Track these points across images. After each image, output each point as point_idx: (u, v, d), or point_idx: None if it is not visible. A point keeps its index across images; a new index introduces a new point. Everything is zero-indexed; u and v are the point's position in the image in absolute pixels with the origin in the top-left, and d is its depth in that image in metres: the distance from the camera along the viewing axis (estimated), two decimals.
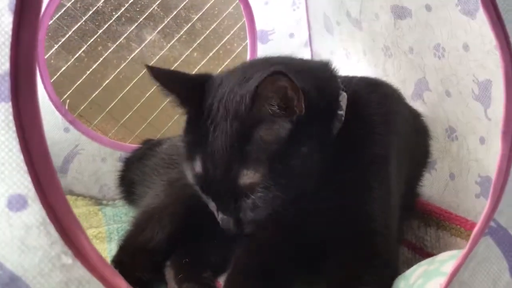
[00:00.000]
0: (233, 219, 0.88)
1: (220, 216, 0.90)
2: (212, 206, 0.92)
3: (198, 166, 0.87)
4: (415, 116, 1.15)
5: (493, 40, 0.67)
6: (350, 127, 0.92)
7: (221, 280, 1.07)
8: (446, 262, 0.79)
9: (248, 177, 0.82)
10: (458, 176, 1.18)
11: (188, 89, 0.92)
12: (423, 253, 1.17)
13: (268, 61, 0.98)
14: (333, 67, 1.00)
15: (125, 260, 1.06)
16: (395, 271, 0.90)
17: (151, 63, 1.81)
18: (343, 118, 0.91)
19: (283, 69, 0.79)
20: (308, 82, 0.87)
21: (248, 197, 0.84)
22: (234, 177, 0.83)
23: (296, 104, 0.82)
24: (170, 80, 0.91)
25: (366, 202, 0.91)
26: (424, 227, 1.20)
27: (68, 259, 0.50)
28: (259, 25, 1.75)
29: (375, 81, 1.07)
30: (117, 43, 1.84)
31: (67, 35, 1.80)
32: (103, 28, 1.83)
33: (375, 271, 0.86)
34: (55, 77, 1.72)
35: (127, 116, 1.86)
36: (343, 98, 0.94)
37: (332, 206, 0.92)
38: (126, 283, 0.50)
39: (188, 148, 0.92)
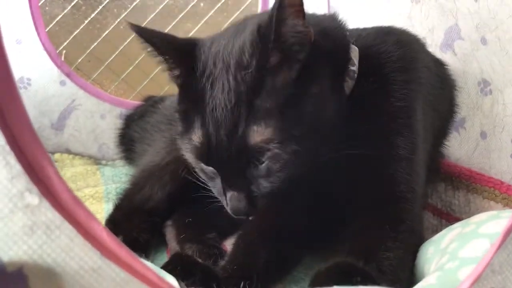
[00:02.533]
0: (244, 195, 0.77)
1: (228, 196, 0.79)
2: (218, 188, 0.81)
3: (197, 134, 0.77)
4: (438, 64, 1.04)
5: None
6: (365, 83, 0.83)
7: (228, 244, 0.99)
8: (484, 223, 0.70)
9: (258, 133, 0.72)
10: (491, 134, 1.08)
11: (178, 50, 0.82)
12: (450, 218, 1.08)
13: (263, 14, 0.90)
14: (339, 18, 0.90)
15: (120, 219, 1.00)
16: (420, 238, 0.83)
17: (154, 14, 1.70)
18: (355, 74, 0.83)
19: None
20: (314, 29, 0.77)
21: (260, 162, 0.74)
22: (242, 136, 0.73)
23: (307, 32, 0.73)
24: (159, 40, 0.80)
25: (390, 164, 0.82)
26: (452, 191, 1.10)
27: (34, 198, 0.39)
28: None
29: (388, 29, 0.96)
30: None
31: None
32: None
33: (399, 238, 0.78)
34: (50, 25, 1.61)
35: (128, 70, 1.75)
36: (354, 51, 0.84)
37: (352, 169, 0.83)
38: (104, 228, 0.40)
39: (183, 118, 0.82)
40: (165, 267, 0.66)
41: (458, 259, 0.63)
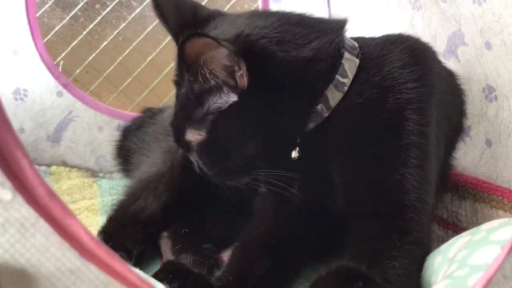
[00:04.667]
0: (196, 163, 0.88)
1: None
2: None
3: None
4: (450, 74, 1.01)
5: None
6: (364, 93, 0.80)
7: (225, 255, 0.96)
8: (495, 230, 0.67)
9: (188, 136, 0.82)
10: (497, 142, 1.05)
11: (182, 21, 0.85)
12: (457, 229, 1.04)
13: (245, 15, 0.87)
14: (337, 26, 0.85)
15: (114, 230, 0.98)
16: (428, 250, 0.79)
17: (153, 25, 1.69)
18: (345, 87, 0.79)
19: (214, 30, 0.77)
20: (280, 43, 0.77)
21: (191, 152, 0.85)
22: (182, 130, 0.83)
23: (239, 75, 0.74)
24: (170, 8, 0.86)
25: (398, 169, 0.78)
26: (458, 201, 1.07)
27: (6, 193, 0.36)
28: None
29: (396, 37, 0.91)
30: (116, 0, 1.70)
31: None
32: None
33: (405, 248, 0.75)
34: (48, 36, 1.61)
35: (127, 82, 1.74)
36: (351, 64, 0.80)
37: (359, 179, 0.81)
38: (82, 226, 0.37)
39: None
40: (156, 275, 0.63)
41: (467, 267, 0.59)
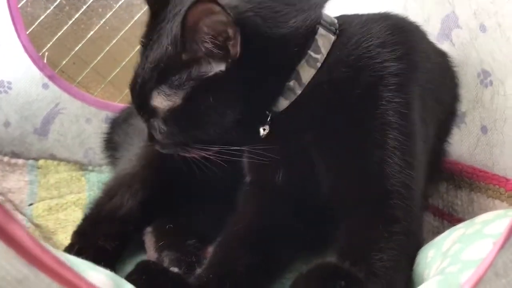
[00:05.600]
0: (147, 130, 0.85)
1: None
2: None
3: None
4: (441, 55, 0.97)
5: None
6: (339, 71, 0.78)
7: (210, 250, 0.92)
8: (490, 222, 0.64)
9: (156, 101, 0.78)
10: (492, 128, 1.01)
11: None
12: (452, 219, 1.01)
13: None
14: (317, 4, 0.83)
15: (87, 230, 0.95)
16: (418, 240, 0.76)
17: (140, 13, 1.64)
18: (318, 63, 0.77)
19: None
20: (264, 19, 0.76)
21: (154, 118, 0.81)
22: (147, 93, 0.79)
23: (232, 44, 0.72)
24: None
25: (377, 154, 0.76)
26: (454, 190, 1.03)
27: None
28: None
29: (382, 14, 0.89)
30: None
31: None
32: None
33: (393, 238, 0.72)
34: (32, 27, 1.57)
35: (115, 72, 1.69)
36: (325, 40, 0.78)
37: (338, 164, 0.79)
38: (26, 231, 0.33)
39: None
40: (129, 277, 0.60)
41: (460, 262, 0.56)
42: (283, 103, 0.79)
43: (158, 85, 0.77)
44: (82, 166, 1.52)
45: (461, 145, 1.09)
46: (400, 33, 0.81)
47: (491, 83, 1.00)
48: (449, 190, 1.05)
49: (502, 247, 0.42)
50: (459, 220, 0.98)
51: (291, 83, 0.77)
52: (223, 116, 0.76)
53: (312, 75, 0.77)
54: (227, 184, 0.96)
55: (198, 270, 0.75)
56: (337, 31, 0.80)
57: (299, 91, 0.77)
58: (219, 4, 0.68)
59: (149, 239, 0.93)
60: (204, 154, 0.82)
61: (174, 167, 0.89)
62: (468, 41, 1.04)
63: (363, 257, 0.65)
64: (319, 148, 0.79)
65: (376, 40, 0.78)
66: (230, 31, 0.71)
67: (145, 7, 1.66)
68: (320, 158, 0.79)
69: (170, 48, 0.75)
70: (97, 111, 1.52)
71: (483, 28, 0.99)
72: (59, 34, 1.59)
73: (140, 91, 0.81)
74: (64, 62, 1.60)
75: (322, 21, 0.80)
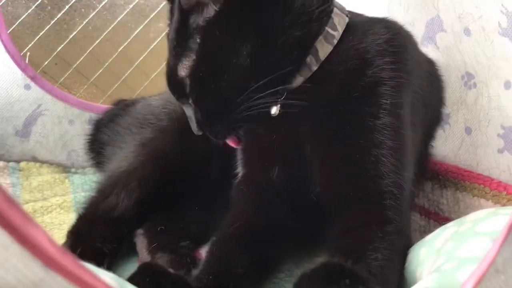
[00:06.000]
0: (193, 116, 0.83)
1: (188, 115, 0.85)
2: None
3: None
4: (429, 63, 0.99)
5: None
6: (347, 59, 0.78)
7: (203, 251, 0.93)
8: (482, 220, 0.65)
9: (181, 71, 0.79)
10: (476, 129, 1.04)
11: None
12: (439, 218, 1.03)
13: None
14: None
15: (83, 229, 0.93)
16: (409, 240, 0.77)
17: (124, 14, 1.63)
18: (334, 40, 0.78)
19: None
20: None
21: (187, 91, 0.81)
22: (176, 68, 0.80)
23: None
24: None
25: (374, 155, 0.76)
26: (439, 189, 1.05)
27: None
28: None
29: (382, 18, 0.90)
30: None
31: None
32: None
33: (387, 238, 0.72)
34: (13, 26, 1.53)
35: (98, 73, 1.67)
36: (341, 19, 0.80)
37: (334, 162, 0.79)
38: (45, 233, 0.33)
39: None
40: (132, 279, 0.59)
41: (456, 259, 0.57)
42: (298, 80, 0.78)
43: (179, 57, 0.79)
44: (65, 168, 1.50)
45: (446, 145, 1.11)
46: (399, 38, 0.83)
47: (475, 85, 1.03)
48: (435, 190, 1.07)
49: (503, 244, 0.44)
50: (446, 219, 1.00)
51: (308, 58, 0.77)
52: (237, 53, 0.75)
53: (329, 52, 0.78)
54: (218, 183, 0.96)
55: (194, 272, 0.75)
56: (347, 15, 0.82)
57: (314, 68, 0.78)
58: None
59: (140, 241, 0.92)
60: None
61: (172, 167, 0.88)
62: (452, 44, 1.07)
63: (360, 256, 0.66)
64: (315, 141, 0.80)
65: (382, 36, 0.80)
66: None
67: (129, 7, 1.66)
68: (315, 153, 0.80)
69: (176, 13, 0.78)
70: (80, 113, 1.50)
71: (467, 31, 1.01)
72: (40, 34, 1.57)
73: (172, 73, 0.82)
74: (46, 62, 1.57)
75: (335, 2, 0.81)
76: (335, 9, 0.80)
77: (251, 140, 0.87)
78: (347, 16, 0.82)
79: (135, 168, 1.00)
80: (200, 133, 0.83)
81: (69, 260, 0.33)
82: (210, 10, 0.76)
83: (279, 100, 0.78)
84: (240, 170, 0.89)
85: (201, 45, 0.77)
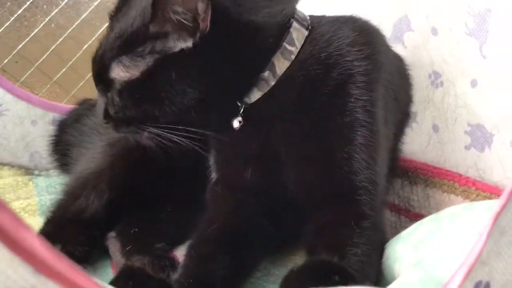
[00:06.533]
0: (103, 105, 0.82)
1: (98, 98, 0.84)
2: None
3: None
4: (397, 58, 1.01)
5: None
6: (310, 66, 0.79)
7: (178, 253, 0.92)
8: (457, 215, 0.67)
9: (114, 72, 0.77)
10: (443, 127, 1.06)
11: None
12: (409, 214, 1.05)
13: None
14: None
15: (52, 233, 0.90)
16: (384, 235, 0.79)
17: (88, 11, 1.59)
18: (292, 55, 0.78)
19: None
20: (235, 4, 0.76)
21: (111, 90, 0.79)
22: (107, 63, 0.78)
23: (202, 18, 0.72)
24: None
25: (346, 152, 0.77)
26: (409, 186, 1.07)
27: None
28: None
29: (349, 17, 0.91)
30: None
31: None
32: None
33: (364, 234, 0.73)
34: None
35: (61, 72, 1.62)
36: (299, 34, 0.80)
37: (307, 160, 0.79)
38: (37, 236, 0.31)
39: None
40: (114, 283, 0.58)
41: (435, 253, 0.59)
42: (256, 94, 0.79)
43: (118, 55, 0.76)
44: (28, 171, 1.44)
45: (413, 143, 1.13)
46: (367, 34, 0.84)
47: (441, 84, 1.05)
48: (404, 187, 1.09)
49: (489, 236, 0.45)
50: (416, 215, 1.02)
51: (266, 73, 0.77)
52: (182, 94, 0.74)
53: (286, 67, 0.78)
54: (191, 183, 0.95)
55: (174, 275, 0.74)
56: (309, 27, 0.82)
57: (272, 83, 0.78)
58: None
59: (113, 244, 0.90)
60: (154, 136, 0.80)
61: (142, 166, 0.86)
62: (420, 44, 1.09)
63: (341, 253, 0.66)
64: (287, 143, 0.80)
65: (346, 40, 0.80)
66: (202, 5, 0.71)
67: (93, 5, 1.62)
68: (289, 154, 0.80)
69: (137, 19, 0.75)
70: (43, 113, 1.45)
71: (434, 31, 1.03)
72: (0, 30, 1.51)
73: (100, 61, 0.79)
74: (6, 60, 1.52)
75: (295, 15, 0.81)
76: (294, 24, 0.80)
77: (222, 145, 0.87)
78: (308, 27, 0.82)
79: (104, 169, 0.98)
80: (104, 122, 0.83)
81: (64, 265, 0.32)
82: (177, 43, 0.74)
83: (239, 114, 0.79)
84: (214, 175, 0.89)
85: (151, 70, 0.75)
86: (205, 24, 0.72)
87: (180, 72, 0.74)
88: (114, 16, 0.82)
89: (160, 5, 0.71)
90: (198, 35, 0.72)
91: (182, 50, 0.73)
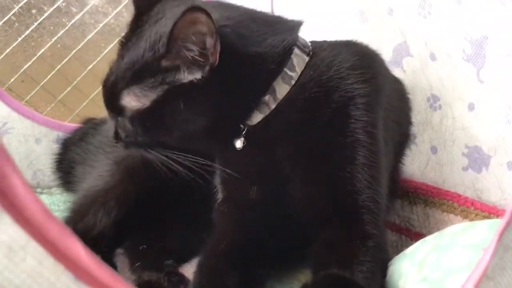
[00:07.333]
0: (114, 127, 0.86)
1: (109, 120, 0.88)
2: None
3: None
4: (397, 81, 1.04)
5: None
6: (311, 90, 0.82)
7: (185, 270, 0.94)
8: (460, 233, 0.69)
9: (125, 100, 0.80)
10: (442, 149, 1.09)
11: None
12: (410, 233, 1.07)
13: (210, 3, 0.90)
14: (292, 26, 0.88)
15: None
16: (387, 254, 0.81)
17: (93, 33, 1.63)
18: (292, 80, 0.82)
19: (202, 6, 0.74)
20: (240, 37, 0.80)
21: (122, 116, 0.83)
22: (118, 91, 0.80)
23: (211, 53, 0.75)
24: None
25: (349, 171, 0.80)
26: (409, 206, 1.10)
27: None
28: None
29: (349, 41, 0.96)
30: (55, 6, 1.63)
31: None
32: None
33: (369, 253, 0.75)
34: None
35: (66, 91, 1.65)
36: (299, 59, 0.83)
37: (311, 179, 0.82)
38: (82, 246, 0.34)
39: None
40: None
41: (441, 270, 0.61)
42: (257, 117, 0.82)
43: (129, 85, 0.79)
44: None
45: (413, 164, 1.16)
46: (366, 58, 0.88)
47: (440, 107, 1.08)
48: (404, 207, 1.11)
49: (495, 252, 0.48)
50: (417, 234, 1.05)
51: (266, 97, 0.81)
52: (191, 123, 0.79)
53: (286, 91, 0.81)
54: (198, 200, 0.97)
55: None
56: (311, 52, 0.85)
57: (273, 106, 0.81)
58: (206, 13, 0.71)
59: (121, 261, 0.91)
60: (165, 159, 0.84)
61: (150, 184, 0.88)
62: (418, 69, 1.12)
63: (349, 270, 0.68)
64: (291, 162, 0.82)
65: (346, 63, 0.83)
66: (212, 40, 0.74)
67: (99, 26, 1.66)
68: (293, 173, 0.82)
69: (148, 52, 0.78)
70: (48, 131, 1.47)
71: (433, 56, 1.07)
72: (7, 51, 1.53)
73: (111, 89, 0.82)
74: (12, 79, 1.54)
75: (297, 42, 0.85)
76: (296, 50, 0.84)
77: (227, 165, 0.89)
78: (309, 53, 0.85)
79: (111, 187, 1.00)
80: (115, 142, 0.87)
81: (105, 273, 0.34)
82: (187, 76, 0.77)
83: (241, 135, 0.83)
84: (220, 194, 0.91)
85: (161, 100, 0.78)
86: (214, 58, 0.75)
87: (188, 102, 0.78)
88: (125, 44, 0.84)
89: (174, 42, 0.74)
90: (207, 68, 0.76)
91: (191, 81, 0.77)
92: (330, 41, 0.93)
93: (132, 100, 0.79)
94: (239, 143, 0.83)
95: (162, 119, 0.79)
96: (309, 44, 0.88)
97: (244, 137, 0.83)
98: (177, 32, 0.73)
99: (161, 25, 0.79)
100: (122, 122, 0.83)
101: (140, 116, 0.80)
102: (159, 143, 0.82)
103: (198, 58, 0.75)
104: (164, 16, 0.81)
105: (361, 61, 0.86)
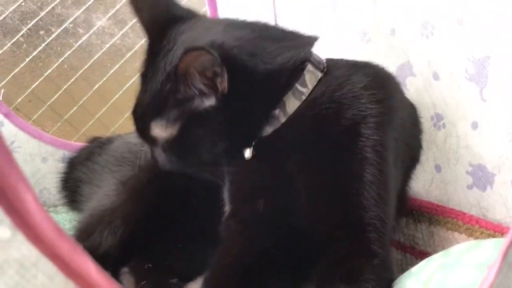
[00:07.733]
0: (150, 153, 0.90)
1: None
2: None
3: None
4: (410, 105, 1.05)
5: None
6: (323, 105, 0.83)
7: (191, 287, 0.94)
8: (466, 252, 0.69)
9: (154, 132, 0.84)
10: (446, 167, 1.10)
11: (157, 16, 0.88)
12: (415, 252, 1.07)
13: (221, 23, 0.93)
14: (306, 42, 0.90)
15: None
16: (393, 274, 0.80)
17: (100, 53, 1.65)
18: (303, 96, 0.83)
19: (206, 43, 0.78)
20: (251, 56, 0.81)
21: (155, 146, 0.87)
22: (147, 123, 0.84)
23: (220, 81, 0.77)
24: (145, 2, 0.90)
25: (356, 188, 0.80)
26: (413, 224, 1.10)
27: (5, 231, 0.33)
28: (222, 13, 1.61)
29: (366, 62, 0.97)
30: (62, 27, 1.66)
31: (3, 16, 1.59)
32: (46, 10, 1.63)
33: (375, 271, 0.75)
34: None
35: (72, 111, 1.67)
36: (312, 76, 0.85)
37: (317, 197, 0.83)
38: (93, 263, 0.34)
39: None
40: None
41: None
42: (267, 130, 0.84)
43: (155, 118, 0.82)
44: None
45: (417, 182, 1.16)
46: (381, 80, 0.89)
47: (444, 125, 1.09)
48: (409, 225, 1.11)
49: (499, 271, 0.48)
50: (422, 252, 1.04)
51: (277, 111, 0.83)
52: (213, 145, 0.82)
53: (296, 106, 0.83)
54: (203, 219, 0.97)
55: None
56: (325, 69, 0.87)
57: (283, 120, 0.83)
58: (206, 50, 0.73)
59: (127, 280, 0.92)
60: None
61: (155, 203, 0.89)
62: (422, 88, 1.13)
63: (354, 286, 0.68)
64: (299, 176, 0.83)
65: (360, 83, 0.84)
66: (217, 69, 0.75)
67: (105, 47, 1.68)
68: (300, 187, 0.83)
69: (164, 86, 0.80)
70: (54, 150, 1.49)
71: (436, 76, 1.08)
72: (15, 71, 1.56)
73: (141, 121, 0.86)
74: (19, 99, 1.56)
75: (311, 59, 0.86)
76: (309, 66, 0.85)
77: (235, 177, 0.90)
78: (323, 70, 0.86)
79: (118, 206, 1.01)
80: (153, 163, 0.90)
81: None
82: (202, 103, 0.80)
83: (251, 145, 0.84)
84: (227, 207, 0.91)
85: (184, 127, 0.82)
86: (223, 85, 0.77)
87: (208, 127, 0.81)
88: (144, 75, 0.87)
89: (181, 80, 0.77)
90: (218, 95, 0.78)
91: (206, 108, 0.79)
92: (347, 60, 0.95)
93: (161, 131, 0.83)
94: (248, 153, 0.85)
95: (190, 145, 0.83)
96: (324, 61, 0.89)
97: (254, 148, 0.85)
98: (180, 73, 0.76)
99: (173, 57, 0.82)
100: (157, 152, 0.87)
101: (172, 144, 0.84)
102: (192, 166, 0.87)
103: (208, 90, 0.78)
104: (175, 44, 0.83)
105: (375, 82, 0.86)
